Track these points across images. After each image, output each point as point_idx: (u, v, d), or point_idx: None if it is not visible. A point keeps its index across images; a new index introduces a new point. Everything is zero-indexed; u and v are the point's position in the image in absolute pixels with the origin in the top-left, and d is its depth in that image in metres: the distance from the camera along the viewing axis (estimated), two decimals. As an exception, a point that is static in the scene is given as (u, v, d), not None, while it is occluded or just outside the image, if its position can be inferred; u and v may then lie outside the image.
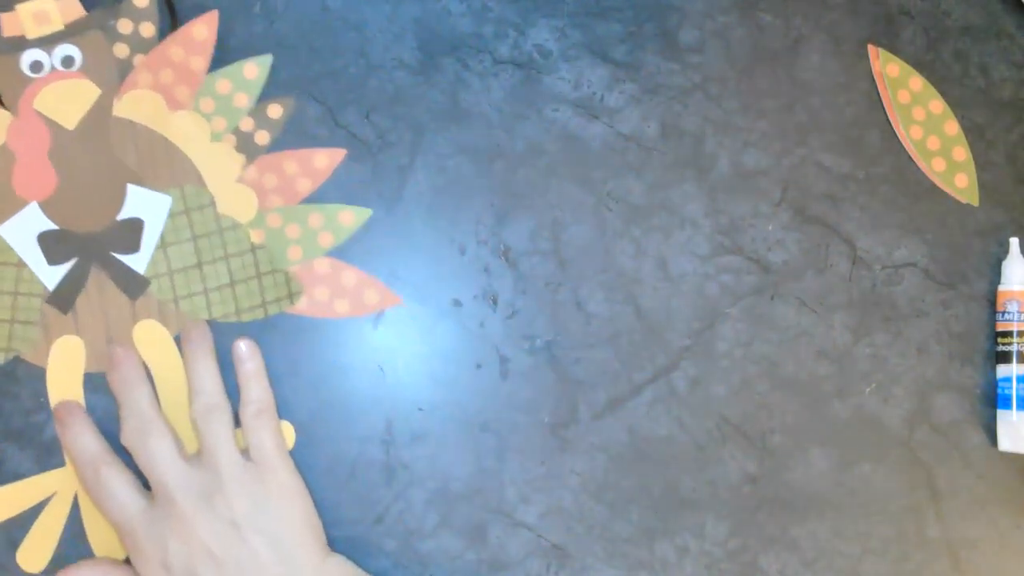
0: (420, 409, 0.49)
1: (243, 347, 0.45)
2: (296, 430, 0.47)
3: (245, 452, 0.44)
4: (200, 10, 0.48)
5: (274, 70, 0.49)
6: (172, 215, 0.46)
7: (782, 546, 0.50)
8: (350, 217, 0.47)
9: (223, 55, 0.48)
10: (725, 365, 0.51)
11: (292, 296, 0.46)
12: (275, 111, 0.47)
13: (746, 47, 0.52)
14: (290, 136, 0.48)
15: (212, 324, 0.46)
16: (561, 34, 0.51)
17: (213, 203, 0.46)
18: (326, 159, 0.47)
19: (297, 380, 0.48)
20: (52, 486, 0.45)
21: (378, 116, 0.49)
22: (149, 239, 0.45)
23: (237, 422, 0.45)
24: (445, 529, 0.48)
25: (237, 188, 0.46)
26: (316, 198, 0.48)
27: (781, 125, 0.52)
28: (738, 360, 0.51)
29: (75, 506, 0.46)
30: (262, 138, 0.47)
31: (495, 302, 0.50)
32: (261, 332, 0.47)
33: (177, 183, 0.46)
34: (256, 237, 0.46)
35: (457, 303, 0.49)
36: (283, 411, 0.47)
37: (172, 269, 0.46)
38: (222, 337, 0.46)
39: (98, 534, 0.45)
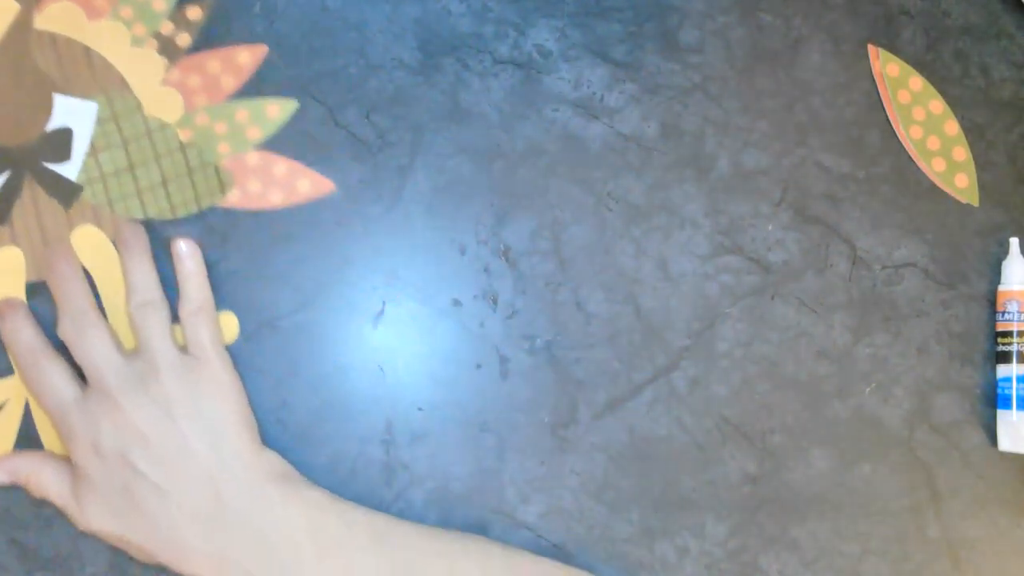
0: (420, 409, 0.49)
1: (182, 246, 0.46)
2: (296, 430, 0.47)
3: (183, 349, 0.45)
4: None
5: (274, 70, 0.49)
6: (100, 121, 0.47)
7: (782, 546, 0.50)
8: (276, 110, 0.48)
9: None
10: (725, 365, 0.51)
11: (223, 187, 0.47)
12: (194, 13, 0.48)
13: (746, 47, 0.52)
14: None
15: (149, 224, 0.47)
16: (561, 34, 0.51)
17: (140, 107, 0.47)
18: (248, 55, 0.48)
19: (297, 380, 0.48)
20: (2, 394, 0.46)
21: (378, 116, 0.49)
22: (79, 146, 0.46)
23: (176, 321, 0.45)
24: (445, 529, 0.48)
25: (162, 91, 0.47)
26: (242, 94, 0.48)
27: (781, 125, 0.52)
28: (738, 360, 0.51)
29: (29, 415, 0.46)
30: (183, 40, 0.48)
31: (495, 302, 0.50)
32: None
33: (102, 90, 0.47)
34: (184, 136, 0.47)
35: (457, 303, 0.49)
36: (283, 411, 0.48)
37: (104, 173, 0.47)
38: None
39: (52, 439, 0.46)
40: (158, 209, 0.47)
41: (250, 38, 0.49)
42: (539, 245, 0.50)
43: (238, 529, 0.42)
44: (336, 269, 0.49)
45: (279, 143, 0.48)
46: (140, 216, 0.47)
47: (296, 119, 0.49)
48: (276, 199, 0.48)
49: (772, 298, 0.52)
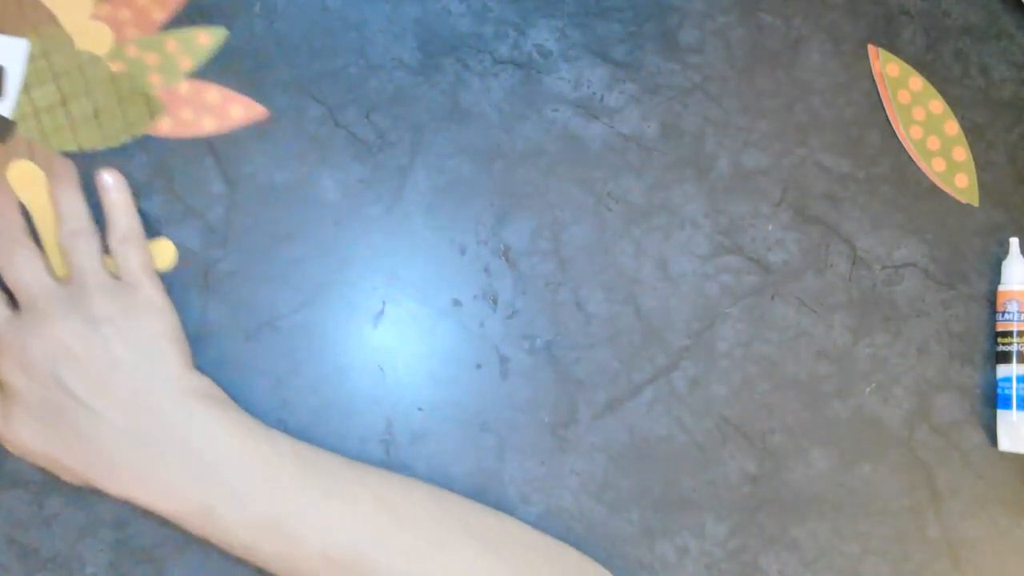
0: (420, 409, 0.49)
1: (108, 178, 0.46)
2: (296, 430, 0.47)
3: (114, 276, 0.45)
4: (199, 9, 0.48)
5: (274, 70, 0.49)
6: (32, 58, 0.47)
7: (782, 546, 0.50)
8: (206, 38, 0.49)
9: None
10: (725, 365, 0.51)
11: (153, 114, 0.48)
12: None
13: (746, 47, 0.52)
14: (281, 121, 0.48)
15: (84, 155, 0.47)
16: (561, 34, 0.51)
17: (70, 41, 0.48)
18: None
19: (297, 380, 0.48)
20: None
21: (378, 116, 0.49)
22: (12, 83, 0.47)
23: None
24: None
25: (92, 25, 0.48)
26: (171, 24, 0.48)
27: (781, 125, 0.52)
28: (738, 360, 0.51)
29: None
30: None
31: (495, 302, 0.50)
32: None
33: (33, 27, 0.47)
34: (116, 68, 0.48)
35: (457, 303, 0.49)
36: (283, 411, 0.48)
37: (37, 109, 0.47)
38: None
39: None
40: (91, 140, 0.48)
41: (250, 38, 0.49)
42: (539, 245, 0.50)
43: (166, 446, 0.42)
44: (336, 269, 0.49)
45: (211, 72, 0.48)
46: (74, 148, 0.47)
47: (297, 120, 0.49)
48: (209, 126, 0.49)
49: (772, 298, 0.51)
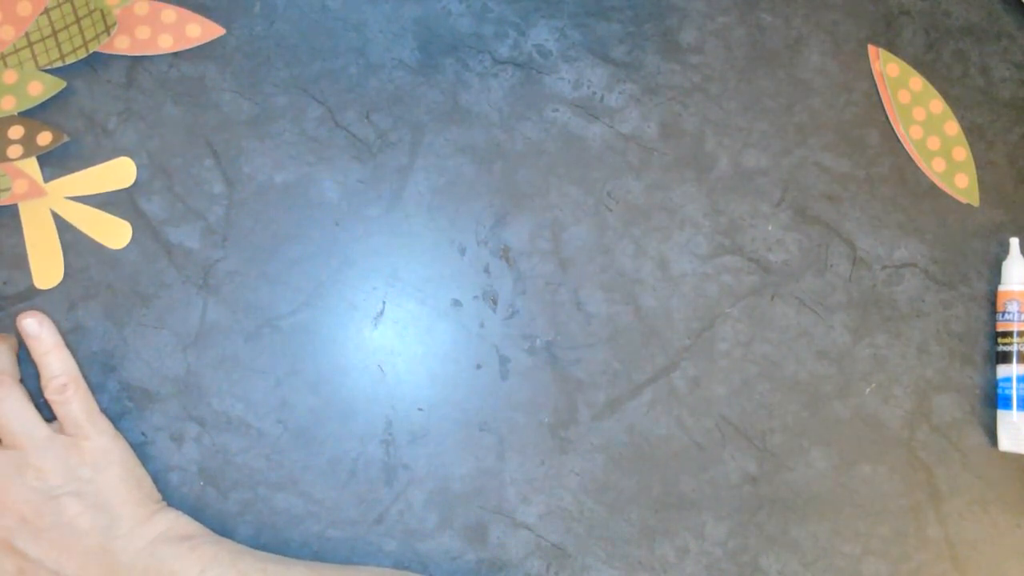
0: (420, 409, 0.49)
1: (31, 323, 0.43)
2: (296, 430, 0.47)
3: (54, 423, 0.43)
4: (200, 11, 0.48)
5: (274, 70, 0.49)
6: None
7: (782, 546, 0.50)
8: None
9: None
10: (725, 365, 0.51)
11: (108, 29, 0.48)
12: None
13: (746, 47, 0.52)
14: (281, 121, 0.48)
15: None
16: (561, 34, 0.51)
17: None
18: None
19: (297, 380, 0.48)
20: None
21: (378, 116, 0.49)
22: None
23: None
24: (445, 529, 0.48)
25: None
26: None
27: (781, 125, 0.52)
28: (738, 360, 0.51)
29: None
30: None
31: (495, 302, 0.50)
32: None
33: None
34: None
35: (457, 303, 0.49)
36: (283, 411, 0.48)
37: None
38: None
39: None
40: (48, 59, 0.48)
41: (250, 38, 0.49)
42: (539, 245, 0.50)
43: None
44: (336, 269, 0.49)
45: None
46: (32, 66, 0.47)
47: (297, 120, 0.49)
48: (166, 44, 0.49)
49: (772, 298, 0.51)
